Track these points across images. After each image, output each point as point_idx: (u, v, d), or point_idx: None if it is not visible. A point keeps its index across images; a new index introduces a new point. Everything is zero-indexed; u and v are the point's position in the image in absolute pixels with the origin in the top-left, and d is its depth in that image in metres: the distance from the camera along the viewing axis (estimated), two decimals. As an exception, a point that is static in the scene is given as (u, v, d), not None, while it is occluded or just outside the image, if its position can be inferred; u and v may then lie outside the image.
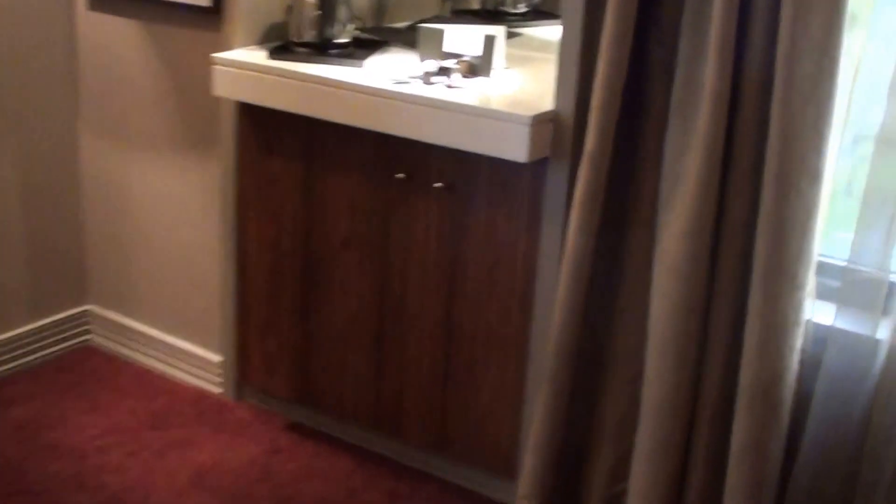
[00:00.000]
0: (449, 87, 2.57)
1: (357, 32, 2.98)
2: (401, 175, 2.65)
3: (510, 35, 3.10)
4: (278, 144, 2.84)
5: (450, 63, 2.65)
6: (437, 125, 2.50)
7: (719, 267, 2.24)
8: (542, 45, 3.16)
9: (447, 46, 2.72)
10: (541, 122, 2.42)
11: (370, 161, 2.71)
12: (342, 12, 2.85)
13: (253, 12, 2.87)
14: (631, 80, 2.28)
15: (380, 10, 3.32)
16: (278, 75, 2.72)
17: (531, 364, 2.58)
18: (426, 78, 2.59)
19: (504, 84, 2.65)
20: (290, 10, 2.86)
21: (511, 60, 2.79)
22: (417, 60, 2.73)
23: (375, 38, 3.06)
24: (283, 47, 2.87)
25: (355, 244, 2.78)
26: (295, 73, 2.70)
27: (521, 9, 3.51)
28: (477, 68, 2.69)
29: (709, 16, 2.12)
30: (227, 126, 2.94)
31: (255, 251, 2.97)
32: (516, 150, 2.43)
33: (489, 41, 2.67)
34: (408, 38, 3.02)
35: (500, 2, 3.48)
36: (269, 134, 2.85)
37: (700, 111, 2.13)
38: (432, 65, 2.62)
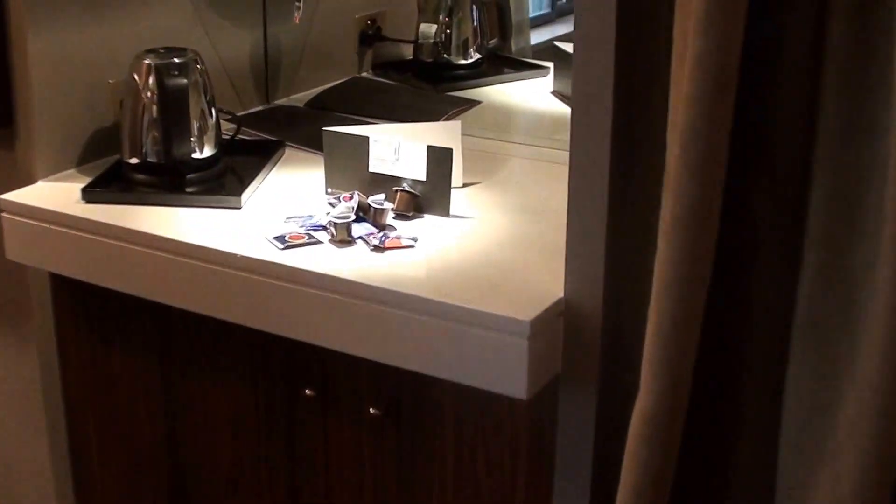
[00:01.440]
0: (377, 247, 1.51)
1: (230, 132, 1.89)
2: (309, 392, 1.58)
3: (458, 105, 2.05)
4: (117, 332, 1.76)
5: (377, 199, 1.59)
6: (360, 330, 1.46)
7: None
8: (511, 122, 2.11)
9: (374, 163, 1.66)
10: (547, 323, 1.37)
11: (259, 367, 1.64)
12: (203, 113, 1.76)
13: (64, 117, 1.80)
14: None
15: (272, 79, 2.23)
16: (96, 233, 1.64)
17: None
18: (338, 232, 1.53)
19: (468, 232, 1.60)
20: (122, 107, 1.77)
21: (469, 161, 1.74)
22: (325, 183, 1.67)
23: (261, 136, 1.98)
24: (112, 174, 1.78)
25: (245, 489, 1.71)
26: (122, 231, 1.62)
27: (472, 57, 2.44)
28: (423, 203, 1.63)
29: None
30: (40, 303, 1.85)
31: (101, 487, 1.89)
32: (506, 378, 1.39)
33: (441, 157, 1.62)
34: (311, 129, 1.95)
35: (440, 50, 2.40)
36: (101, 316, 1.77)
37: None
38: (344, 208, 1.56)
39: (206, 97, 1.78)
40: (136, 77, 1.74)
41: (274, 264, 1.50)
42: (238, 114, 2.11)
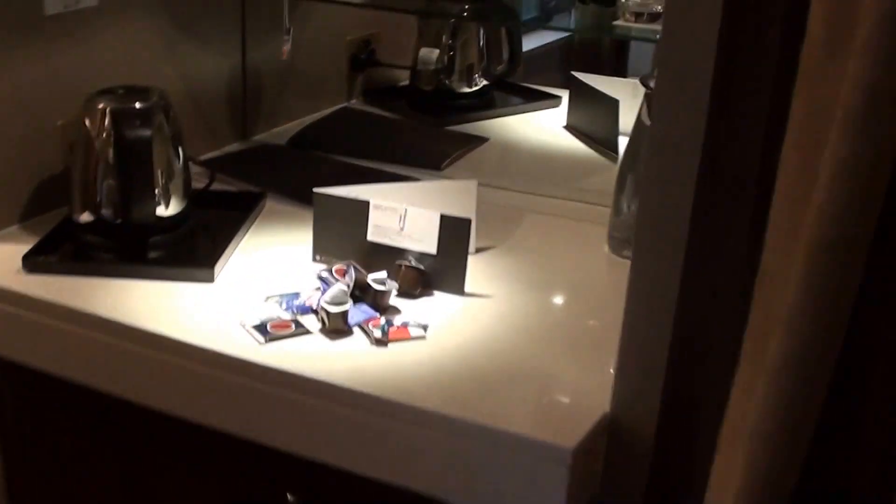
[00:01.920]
0: (380, 340, 1.24)
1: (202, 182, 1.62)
2: (292, 499, 1.31)
3: (462, 144, 1.79)
4: (70, 423, 1.49)
5: (378, 278, 1.32)
6: (359, 444, 1.21)
7: None
8: (523, 165, 1.85)
9: (374, 232, 1.39)
10: (589, 444, 1.12)
11: (236, 469, 1.36)
12: (170, 163, 1.49)
13: (3, 164, 1.53)
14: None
15: (251, 111, 1.94)
16: (39, 312, 1.35)
17: None
18: (330, 321, 1.26)
19: (486, 315, 1.33)
20: (72, 155, 1.49)
21: (478, 216, 1.47)
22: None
23: (238, 184, 1.70)
24: (60, 234, 1.50)
25: None
26: (67, 312, 1.34)
27: (476, 85, 2.17)
28: (432, 279, 1.35)
29: None
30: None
31: None
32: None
33: (457, 229, 1.34)
34: (295, 174, 1.68)
35: (441, 77, 2.13)
36: (51, 405, 1.49)
37: None
38: (338, 291, 1.28)
39: (173, 145, 1.50)
40: (87, 123, 1.46)
41: (255, 365, 1.22)
42: (212, 155, 1.83)
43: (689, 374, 1.10)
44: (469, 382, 1.19)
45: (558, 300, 1.40)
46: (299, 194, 1.65)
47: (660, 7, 1.76)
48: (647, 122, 1.46)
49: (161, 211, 1.49)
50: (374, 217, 1.41)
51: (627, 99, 1.92)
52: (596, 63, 2.26)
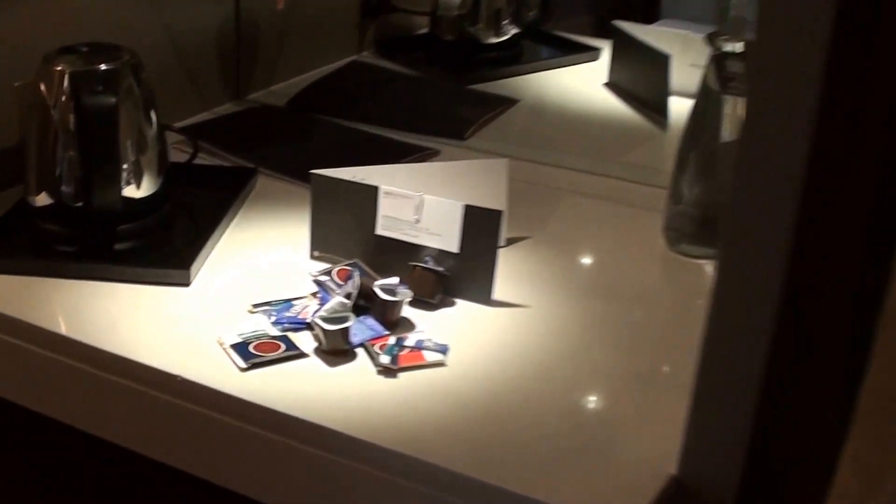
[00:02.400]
0: (388, 368, 0.99)
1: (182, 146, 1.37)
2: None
3: (487, 107, 1.53)
4: (25, 451, 1.25)
5: (388, 285, 1.07)
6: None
7: None
8: (560, 133, 1.60)
9: (384, 224, 1.13)
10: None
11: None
12: (142, 134, 1.24)
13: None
14: None
15: (246, 66, 1.69)
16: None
17: None
18: (328, 340, 1.02)
19: (519, 333, 1.09)
20: (26, 126, 1.24)
21: (511, 204, 1.23)
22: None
23: (226, 157, 1.46)
24: (14, 220, 1.28)
25: None
26: (12, 326, 1.10)
27: (505, 34, 1.90)
28: (453, 284, 1.10)
29: None
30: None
31: None
32: None
33: (485, 223, 1.09)
34: (294, 143, 1.43)
35: (464, 25, 1.86)
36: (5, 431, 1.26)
37: None
38: (337, 304, 1.03)
39: (145, 113, 1.24)
40: (43, 88, 1.21)
41: (229, 398, 0.98)
42: (200, 119, 1.58)
43: (783, 433, 0.86)
44: (499, 431, 0.95)
45: (607, 312, 1.15)
46: (297, 170, 1.40)
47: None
48: (716, 88, 1.20)
49: (130, 192, 1.24)
50: (384, 206, 1.16)
51: (676, 54, 1.65)
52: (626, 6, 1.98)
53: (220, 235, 1.26)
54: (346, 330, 1.03)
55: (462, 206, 1.12)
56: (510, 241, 1.26)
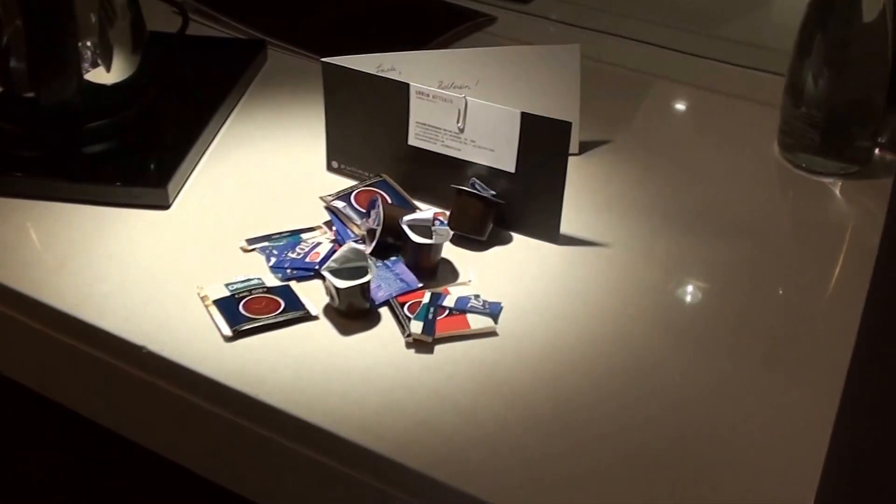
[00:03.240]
0: (417, 340, 0.72)
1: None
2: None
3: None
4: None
5: (419, 220, 0.79)
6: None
7: None
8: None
9: (417, 133, 0.85)
10: None
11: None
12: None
13: None
14: None
15: None
16: None
17: None
18: (340, 299, 0.75)
19: (598, 287, 0.83)
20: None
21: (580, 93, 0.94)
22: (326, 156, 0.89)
23: (226, 22, 1.18)
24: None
25: None
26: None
27: None
28: (508, 214, 0.83)
29: None
30: None
31: None
32: None
33: (552, 136, 0.81)
34: (317, 11, 1.16)
35: None
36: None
37: None
38: (349, 252, 0.76)
39: None
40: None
41: (206, 381, 0.72)
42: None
43: None
44: (569, 448, 0.68)
45: (710, 255, 0.87)
46: (318, 43, 1.13)
47: None
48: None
49: (97, 76, 0.96)
50: (417, 110, 0.88)
51: None
52: None
53: (215, 133, 1.00)
54: (364, 286, 0.76)
55: (518, 114, 0.84)
56: (583, 147, 0.99)
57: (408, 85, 0.88)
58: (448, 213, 0.87)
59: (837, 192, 0.95)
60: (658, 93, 1.11)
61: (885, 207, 0.93)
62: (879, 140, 0.99)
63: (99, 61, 0.97)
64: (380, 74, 0.90)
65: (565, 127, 0.84)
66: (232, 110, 1.04)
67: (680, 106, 1.09)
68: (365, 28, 1.20)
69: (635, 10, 1.28)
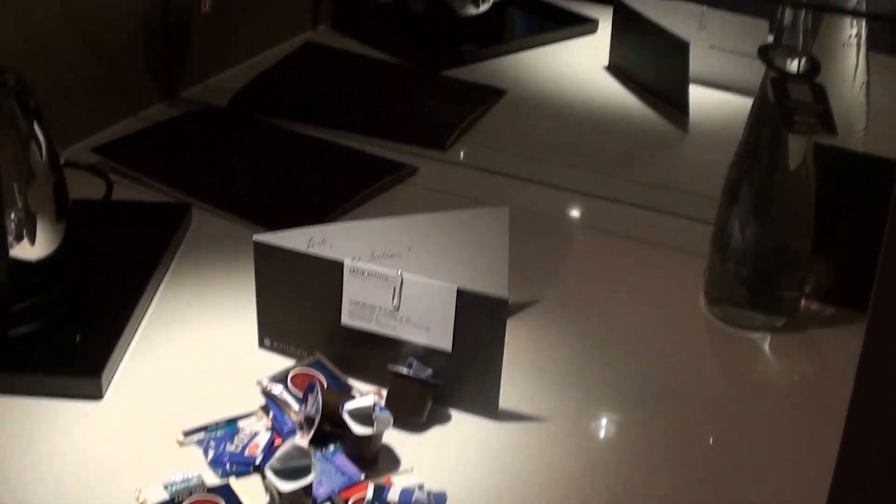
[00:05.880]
0: None
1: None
2: None
3: (471, 103, 1.27)
4: None
5: (359, 408, 0.81)
6: None
7: None
8: (561, 136, 1.33)
9: (351, 312, 0.86)
10: None
11: None
12: (32, 177, 0.97)
13: None
14: None
15: (178, 53, 1.39)
16: None
17: None
18: (280, 500, 0.75)
19: (544, 466, 0.85)
20: None
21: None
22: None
23: (151, 185, 1.18)
24: None
25: None
26: None
27: (485, 2, 1.62)
28: (446, 391, 0.84)
29: None
30: None
31: None
32: None
33: (488, 314, 0.86)
34: (238, 164, 1.15)
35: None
36: None
37: None
38: (291, 450, 0.76)
39: (37, 147, 0.96)
40: None
41: None
42: (123, 127, 1.29)
43: None
44: None
45: (654, 419, 0.88)
46: (242, 202, 1.14)
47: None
48: (778, 119, 0.93)
49: (23, 252, 0.95)
50: (351, 287, 0.88)
51: (692, 33, 1.38)
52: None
53: (146, 309, 0.99)
54: (307, 487, 0.76)
55: (455, 290, 0.85)
56: (513, 309, 0.99)
57: (341, 263, 0.89)
58: (385, 391, 0.87)
59: (766, 347, 0.97)
60: (582, 242, 1.14)
61: (815, 362, 0.95)
62: (805, 289, 1.02)
63: (25, 234, 0.95)
64: (312, 251, 0.90)
65: (501, 304, 0.85)
66: (161, 281, 1.03)
67: (604, 258, 1.11)
68: (287, 184, 1.20)
69: (552, 150, 1.31)
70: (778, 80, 0.93)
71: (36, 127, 0.96)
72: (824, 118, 0.91)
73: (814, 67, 0.95)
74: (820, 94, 0.93)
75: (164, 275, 1.05)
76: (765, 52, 0.96)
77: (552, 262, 1.09)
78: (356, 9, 1.67)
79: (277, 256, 0.91)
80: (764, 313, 1.00)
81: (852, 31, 1.13)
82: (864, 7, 1.08)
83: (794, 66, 0.95)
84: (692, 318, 1.01)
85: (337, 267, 0.89)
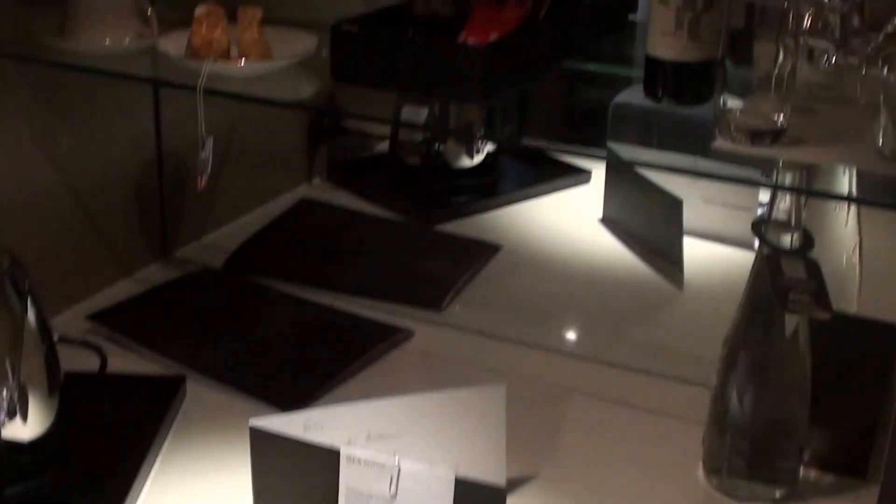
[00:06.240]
0: None
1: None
2: None
3: (466, 261, 1.28)
4: None
5: None
6: None
7: None
8: (555, 300, 1.38)
9: (347, 499, 0.84)
10: None
11: None
12: (26, 356, 0.97)
13: None
14: None
15: (171, 212, 1.40)
16: None
17: None
18: None
19: None
20: None
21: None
22: None
23: (146, 354, 1.18)
24: None
25: None
26: None
27: (479, 153, 1.64)
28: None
29: None
30: None
31: None
32: None
33: (482, 498, 0.84)
34: (234, 330, 1.14)
35: (430, 148, 1.60)
36: None
37: None
38: None
39: (31, 327, 0.95)
40: None
41: None
42: (118, 292, 1.29)
43: None
44: None
45: None
46: (236, 373, 1.13)
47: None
48: (773, 296, 0.93)
49: (14, 431, 0.94)
50: (348, 475, 0.87)
51: (683, 189, 1.39)
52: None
53: (137, 498, 0.97)
54: None
55: (452, 478, 0.84)
56: (511, 485, 0.98)
57: (338, 451, 0.88)
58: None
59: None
60: (578, 411, 1.12)
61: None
62: (804, 457, 1.01)
63: (16, 411, 0.94)
64: (308, 438, 0.89)
65: (499, 494, 0.84)
66: (154, 464, 1.02)
67: (601, 426, 1.10)
68: (282, 352, 1.20)
69: (547, 310, 1.31)
70: (772, 258, 0.94)
71: (29, 306, 0.96)
72: (819, 296, 0.91)
73: (807, 242, 0.95)
74: (814, 271, 0.93)
75: (157, 457, 1.04)
76: (758, 227, 0.97)
77: (550, 432, 1.08)
78: (351, 161, 1.68)
79: (274, 443, 0.90)
80: (763, 483, 0.99)
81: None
82: (854, 184, 1.09)
83: (787, 239, 0.96)
84: (692, 491, 1.00)
85: (333, 455, 0.88)
